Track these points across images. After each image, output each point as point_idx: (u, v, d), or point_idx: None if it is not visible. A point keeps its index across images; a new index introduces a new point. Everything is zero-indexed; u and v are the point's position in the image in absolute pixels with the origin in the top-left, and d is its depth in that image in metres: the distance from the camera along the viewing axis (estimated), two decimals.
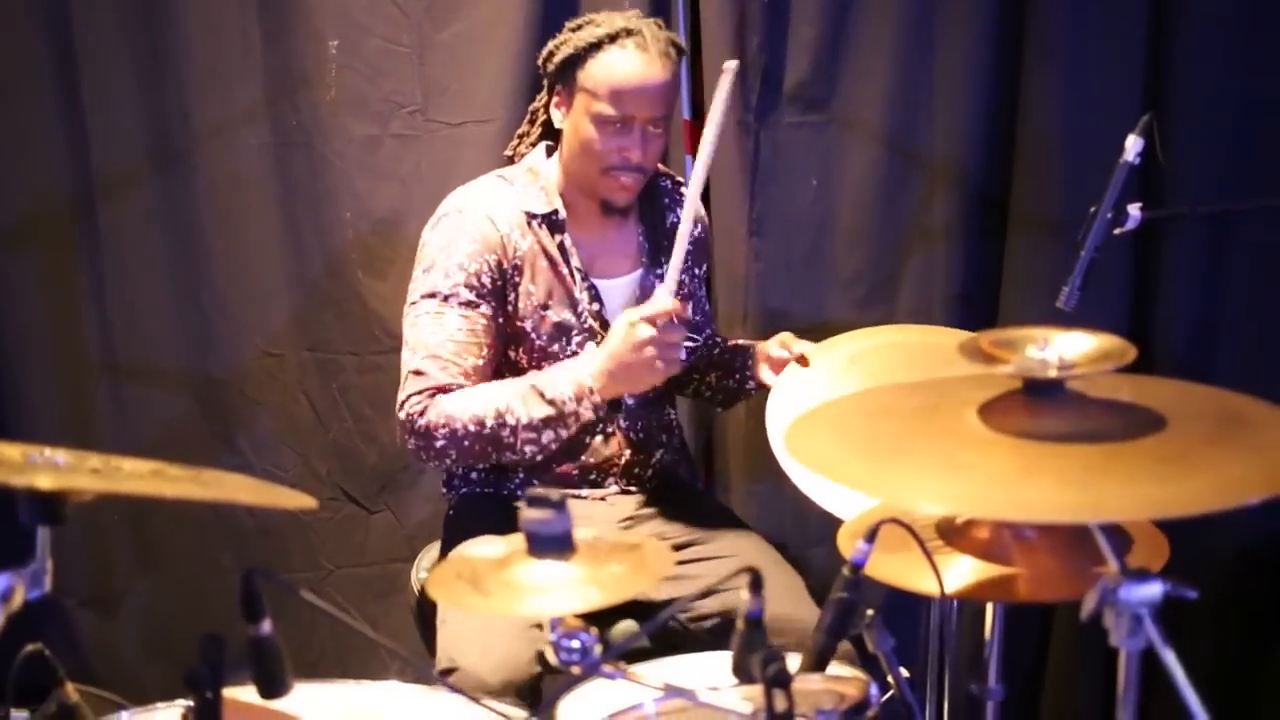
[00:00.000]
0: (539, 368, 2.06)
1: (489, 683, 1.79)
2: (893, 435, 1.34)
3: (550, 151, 2.14)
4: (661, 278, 2.15)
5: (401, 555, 2.60)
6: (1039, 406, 1.29)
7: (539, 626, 1.82)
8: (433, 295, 2.00)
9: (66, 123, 2.51)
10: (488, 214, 2.04)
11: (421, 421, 1.93)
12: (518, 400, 1.93)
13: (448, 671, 1.82)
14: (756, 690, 1.16)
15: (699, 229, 2.28)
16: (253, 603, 1.21)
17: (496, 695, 1.71)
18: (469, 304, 1.99)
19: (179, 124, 2.54)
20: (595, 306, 2.10)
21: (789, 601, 1.94)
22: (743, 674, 1.25)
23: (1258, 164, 2.39)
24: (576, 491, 2.12)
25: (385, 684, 1.62)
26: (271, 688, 1.24)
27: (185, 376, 2.64)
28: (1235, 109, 2.39)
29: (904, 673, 1.52)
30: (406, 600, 2.28)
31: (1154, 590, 1.15)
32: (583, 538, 1.24)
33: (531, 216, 2.07)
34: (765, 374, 2.17)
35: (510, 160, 2.21)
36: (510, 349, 2.07)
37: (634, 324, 1.92)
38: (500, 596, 1.22)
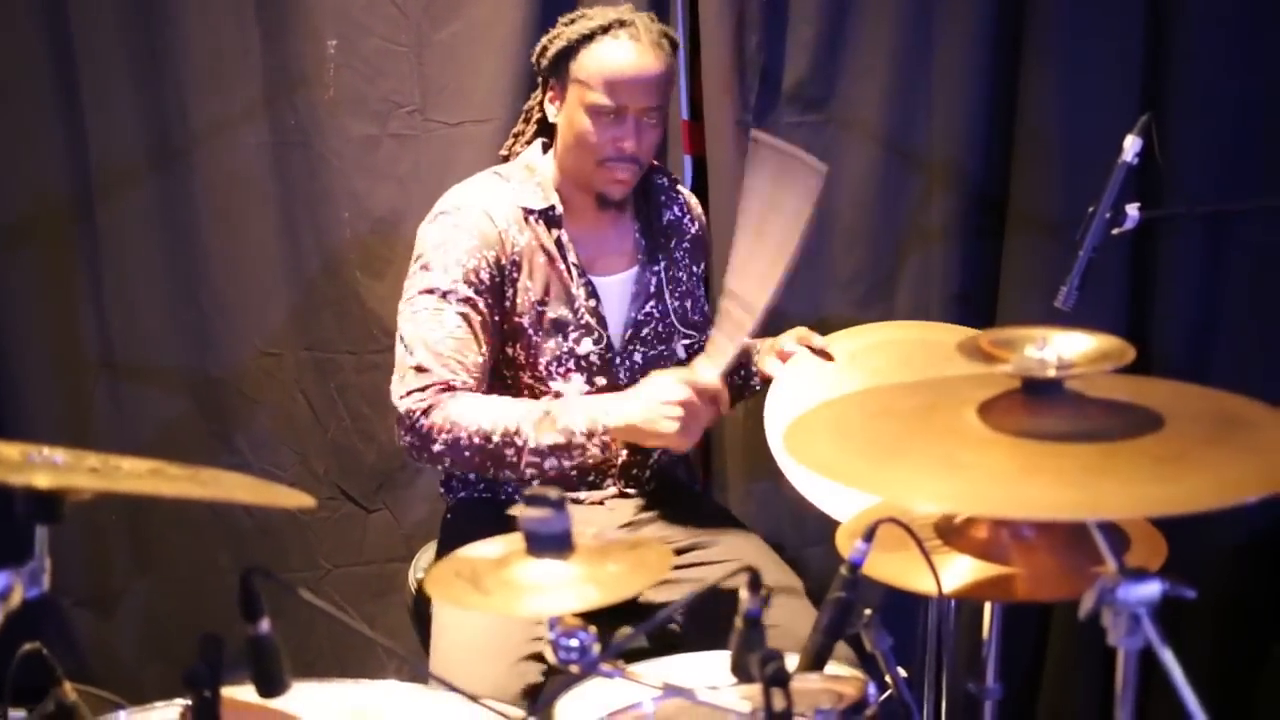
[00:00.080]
0: (535, 364, 2.07)
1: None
2: (892, 434, 1.34)
3: (546, 148, 2.14)
4: (659, 276, 2.15)
5: (399, 555, 2.60)
6: (1038, 406, 1.29)
7: (538, 639, 1.84)
8: (431, 291, 1.99)
9: (65, 122, 2.51)
10: (485, 210, 2.04)
11: (424, 421, 1.92)
12: (529, 423, 1.92)
13: None
14: (755, 689, 1.16)
15: (697, 226, 2.27)
16: (251, 602, 1.21)
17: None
18: (468, 301, 1.99)
19: (177, 123, 2.53)
20: (592, 303, 2.09)
21: (788, 610, 1.94)
22: (741, 673, 1.25)
23: (1256, 164, 2.39)
24: (574, 494, 2.11)
25: (383, 683, 1.62)
26: (270, 687, 1.24)
27: (183, 376, 2.64)
28: (1233, 109, 2.39)
29: (902, 672, 1.52)
30: (403, 600, 2.28)
31: (1152, 590, 1.15)
32: (581, 537, 1.24)
33: (528, 212, 2.06)
34: (772, 365, 2.16)
35: (506, 160, 2.21)
36: (507, 345, 2.07)
37: (678, 384, 1.91)
38: (499, 595, 1.22)
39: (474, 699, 1.39)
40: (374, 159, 2.55)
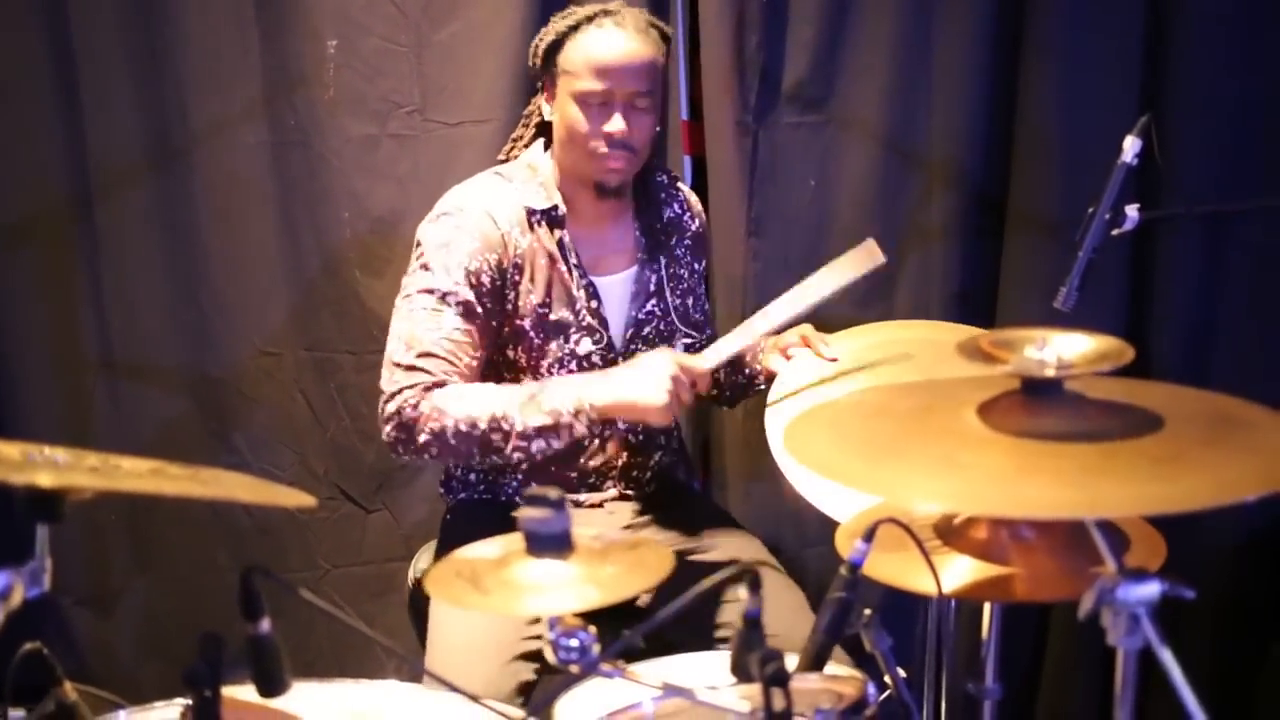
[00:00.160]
0: (536, 365, 2.06)
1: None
2: (891, 434, 1.34)
3: (547, 147, 2.14)
4: (659, 274, 2.15)
5: (398, 554, 2.60)
6: (1037, 406, 1.29)
7: (531, 638, 1.84)
8: (431, 291, 1.99)
9: (65, 121, 2.51)
10: (488, 212, 2.03)
11: (411, 414, 1.92)
12: (515, 407, 1.92)
13: None
14: (755, 689, 1.16)
15: (697, 224, 2.27)
16: (252, 601, 1.21)
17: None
18: (466, 304, 1.99)
19: (177, 123, 2.54)
20: (593, 304, 2.09)
21: (787, 614, 1.93)
22: (741, 673, 1.25)
23: (1255, 164, 2.40)
24: (575, 496, 2.11)
25: (384, 683, 1.62)
26: (270, 686, 1.24)
27: (183, 375, 2.64)
28: (1233, 109, 2.39)
29: (901, 672, 1.52)
30: (402, 599, 2.28)
31: (1151, 590, 1.16)
32: (581, 537, 1.25)
33: (532, 213, 2.06)
34: (775, 363, 2.17)
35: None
36: (508, 348, 2.07)
37: (670, 361, 1.93)
38: (499, 595, 1.22)
39: (475, 699, 1.39)
40: (373, 159, 2.55)
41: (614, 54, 2.00)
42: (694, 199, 2.31)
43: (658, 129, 2.12)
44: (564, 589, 1.21)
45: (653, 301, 2.15)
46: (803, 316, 2.09)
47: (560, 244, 2.07)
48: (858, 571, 1.42)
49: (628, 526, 2.14)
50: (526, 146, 2.17)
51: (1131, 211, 2.05)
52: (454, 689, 1.36)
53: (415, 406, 1.92)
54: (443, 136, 2.54)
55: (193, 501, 2.58)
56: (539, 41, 2.08)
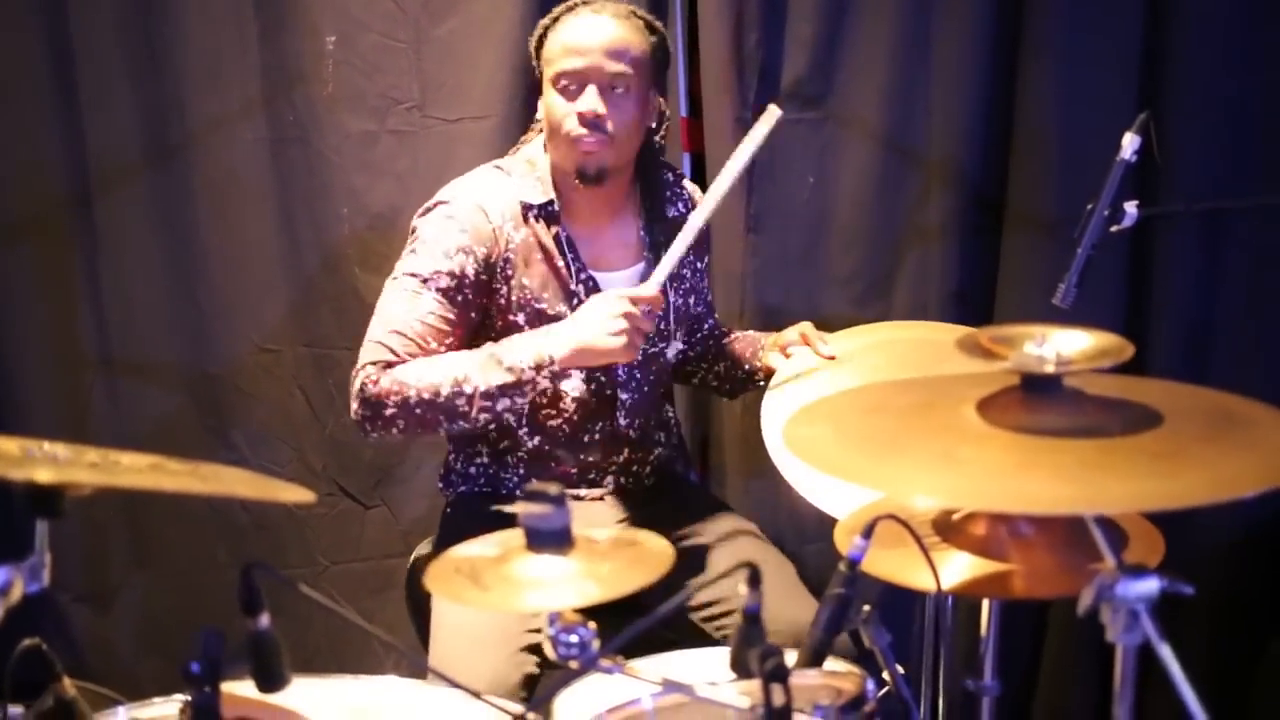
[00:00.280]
0: None
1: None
2: (891, 430, 1.34)
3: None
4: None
5: (397, 551, 2.60)
6: (1036, 402, 1.29)
7: (534, 631, 1.84)
8: (414, 275, 2.00)
9: (63, 118, 2.51)
10: (481, 205, 2.03)
11: (373, 390, 1.93)
12: (475, 368, 1.93)
13: None
14: (754, 685, 1.16)
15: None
16: (252, 597, 1.21)
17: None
18: (446, 292, 1.99)
19: (175, 119, 2.53)
20: None
21: (784, 597, 1.94)
22: (740, 669, 1.26)
23: (1254, 162, 2.40)
24: (574, 491, 2.12)
25: (383, 678, 1.63)
26: (270, 682, 1.24)
27: (181, 372, 2.64)
28: (1231, 107, 2.40)
29: (899, 669, 1.52)
30: (401, 595, 2.28)
31: (1151, 586, 1.16)
32: (581, 533, 1.25)
33: (528, 208, 2.06)
34: (775, 360, 2.18)
35: None
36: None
37: (615, 298, 1.94)
38: (498, 591, 1.22)
39: (475, 695, 1.39)
40: (372, 155, 2.55)
41: (586, 35, 2.01)
42: (699, 196, 2.30)
43: (652, 124, 2.12)
44: (563, 584, 1.21)
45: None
46: (724, 195, 2.01)
47: (557, 239, 2.07)
48: (857, 568, 1.42)
49: (625, 518, 2.14)
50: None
51: (1130, 209, 2.05)
52: (455, 685, 1.36)
53: (376, 383, 1.93)
54: (442, 132, 2.53)
55: (191, 498, 2.58)
56: (530, 40, 2.10)
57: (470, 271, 2.00)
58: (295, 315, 2.61)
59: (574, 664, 1.23)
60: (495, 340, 2.05)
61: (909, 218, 2.56)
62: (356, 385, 1.95)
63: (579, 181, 2.04)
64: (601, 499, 2.16)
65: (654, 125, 2.14)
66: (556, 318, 2.06)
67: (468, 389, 1.91)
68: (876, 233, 2.57)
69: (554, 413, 2.10)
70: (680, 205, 2.23)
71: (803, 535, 2.55)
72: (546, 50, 2.05)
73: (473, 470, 2.16)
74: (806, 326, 2.19)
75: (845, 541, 1.44)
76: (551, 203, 2.07)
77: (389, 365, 1.94)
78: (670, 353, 2.19)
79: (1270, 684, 2.49)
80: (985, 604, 1.56)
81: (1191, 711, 1.14)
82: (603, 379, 2.10)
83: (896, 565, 1.44)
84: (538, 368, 1.93)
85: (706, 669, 1.56)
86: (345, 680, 1.59)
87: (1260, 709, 2.50)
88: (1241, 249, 2.43)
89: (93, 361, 2.61)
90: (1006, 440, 1.25)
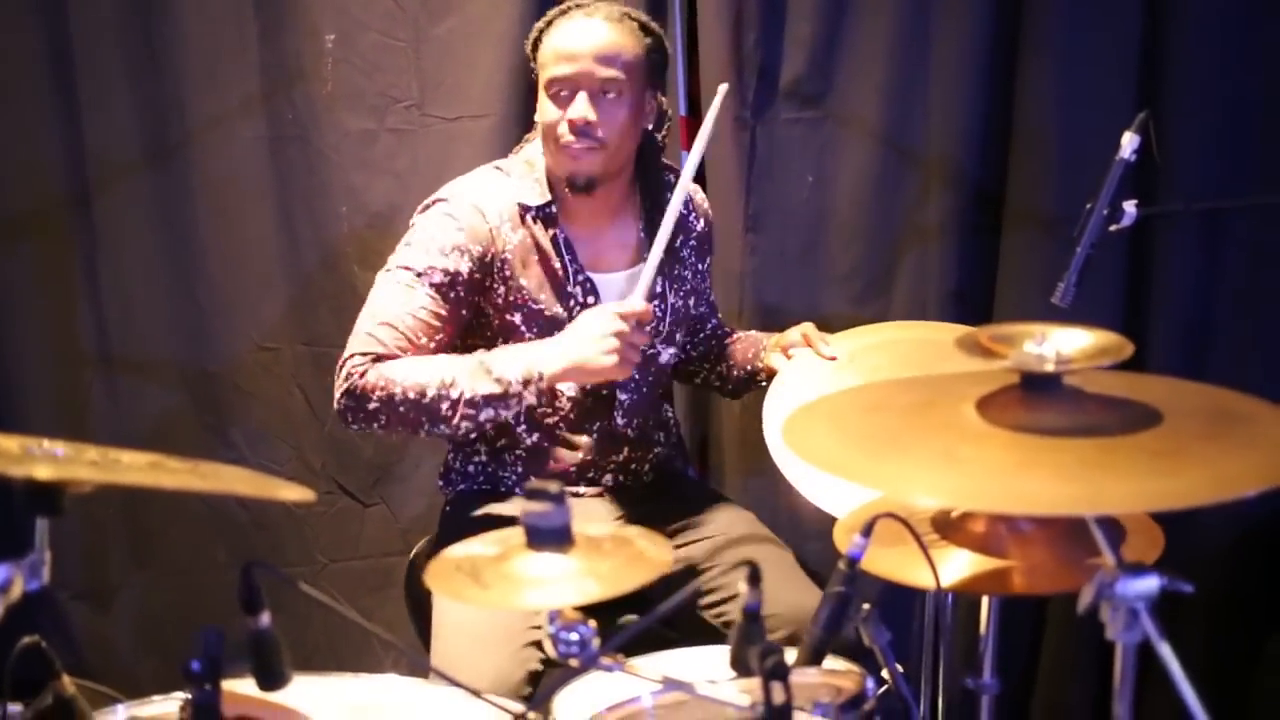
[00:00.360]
0: None
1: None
2: (891, 429, 1.34)
3: None
4: (667, 275, 2.15)
5: (396, 549, 2.60)
6: (1036, 401, 1.29)
7: (537, 628, 1.84)
8: (409, 268, 1.99)
9: (63, 117, 2.51)
10: (478, 205, 2.03)
11: (359, 382, 1.92)
12: (464, 374, 1.92)
13: None
14: (754, 683, 1.16)
15: (703, 224, 2.27)
16: (252, 595, 1.21)
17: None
18: (440, 288, 1.99)
19: (175, 118, 2.54)
20: (590, 300, 2.09)
21: (784, 582, 1.96)
22: (740, 667, 1.26)
23: (1252, 161, 2.40)
24: (574, 488, 2.11)
25: (384, 677, 1.63)
26: (270, 680, 1.24)
27: (180, 370, 2.64)
28: (1230, 106, 2.40)
29: (899, 667, 1.53)
30: (400, 594, 2.28)
31: (1150, 584, 1.16)
32: (581, 531, 1.25)
33: (525, 209, 2.06)
34: (777, 361, 2.18)
35: None
36: (500, 340, 2.07)
37: (606, 316, 1.93)
38: (499, 589, 1.22)
39: (475, 694, 1.39)
40: (371, 154, 2.55)
41: (577, 40, 2.00)
42: (700, 198, 2.31)
43: (650, 125, 2.11)
44: (564, 582, 1.21)
45: (654, 302, 2.15)
46: (688, 178, 2.01)
47: (554, 240, 2.07)
48: (856, 566, 1.42)
49: (623, 515, 2.14)
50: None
51: (1129, 208, 2.05)
52: (456, 684, 1.36)
53: (363, 375, 1.93)
54: (440, 131, 2.54)
55: (191, 496, 2.58)
56: (526, 42, 2.10)
57: (465, 270, 2.00)
58: (294, 313, 2.61)
59: (574, 662, 1.23)
60: (491, 339, 2.05)
61: (908, 217, 2.56)
62: (342, 375, 1.95)
63: (569, 190, 2.05)
64: (600, 495, 2.15)
65: (654, 125, 2.14)
66: (553, 318, 2.05)
67: (453, 394, 1.91)
68: (875, 232, 2.57)
69: (550, 411, 2.10)
70: (682, 207, 2.22)
71: (801, 534, 2.55)
72: (540, 54, 2.05)
73: (472, 468, 2.16)
74: (808, 327, 2.19)
75: (845, 540, 1.44)
76: (549, 204, 2.07)
77: (377, 358, 1.94)
78: (664, 356, 2.18)
79: (1266, 683, 2.49)
80: (984, 602, 1.56)
81: (1192, 710, 1.14)
82: (601, 380, 2.10)
83: (896, 563, 1.44)
84: (526, 382, 1.91)
85: (706, 667, 1.56)
86: (346, 678, 1.60)
87: (1258, 707, 2.50)
88: (1239, 248, 2.43)
89: (92, 359, 2.61)
90: (1006, 439, 1.25)
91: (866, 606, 1.46)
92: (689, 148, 2.61)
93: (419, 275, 1.99)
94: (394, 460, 2.64)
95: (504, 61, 2.48)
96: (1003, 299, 2.52)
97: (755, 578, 1.25)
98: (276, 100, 2.53)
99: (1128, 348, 1.30)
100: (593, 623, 1.24)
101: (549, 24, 2.06)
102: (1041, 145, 2.44)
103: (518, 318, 2.05)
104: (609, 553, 1.26)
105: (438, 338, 1.99)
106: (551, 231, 2.07)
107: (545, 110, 2.03)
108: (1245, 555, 2.47)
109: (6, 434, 1.30)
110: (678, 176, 2.25)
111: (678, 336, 2.20)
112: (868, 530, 1.40)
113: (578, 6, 2.06)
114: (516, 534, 1.25)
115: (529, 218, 2.06)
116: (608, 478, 2.16)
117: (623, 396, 2.12)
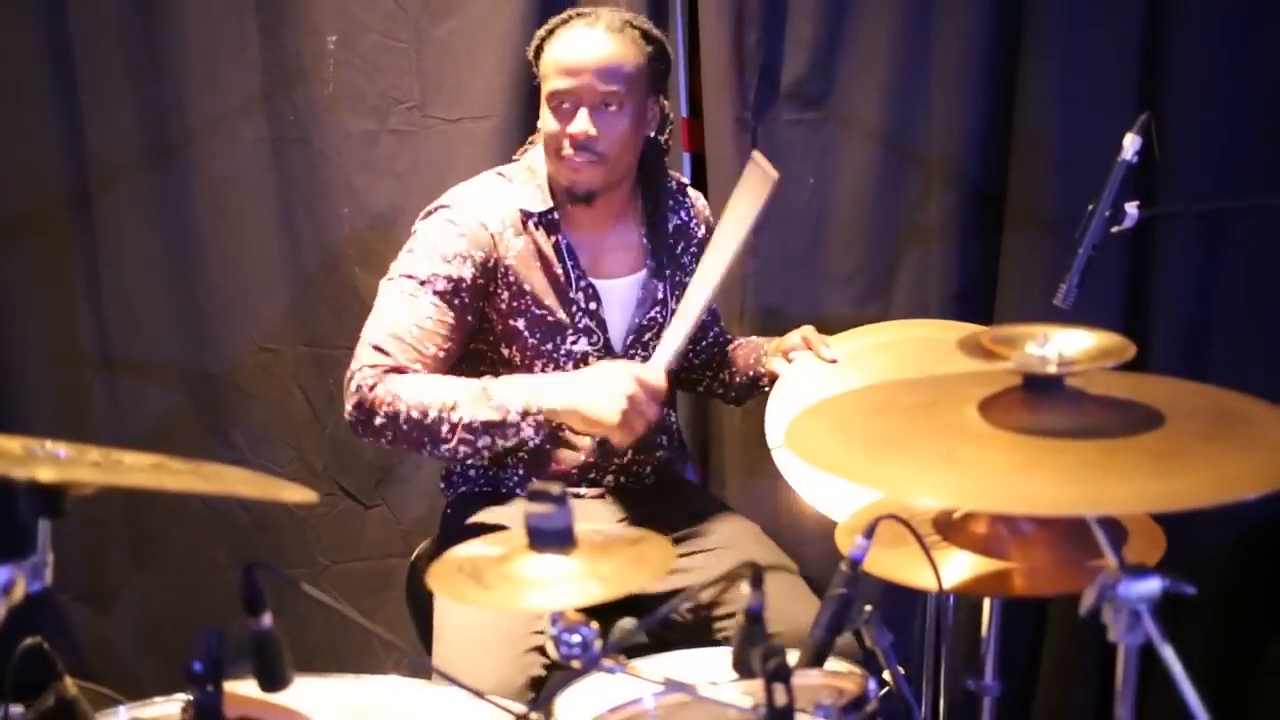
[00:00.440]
0: (531, 365, 2.07)
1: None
2: (893, 430, 1.34)
3: None
4: (669, 281, 2.15)
5: (397, 550, 2.60)
6: (1038, 402, 1.29)
7: (540, 632, 1.84)
8: (412, 276, 1.99)
9: (63, 117, 2.51)
10: (480, 211, 2.03)
11: (369, 395, 1.92)
12: (466, 399, 1.91)
13: None
14: (756, 685, 1.16)
15: (704, 230, 2.25)
16: (254, 596, 1.21)
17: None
18: (444, 295, 1.98)
19: (175, 119, 2.54)
20: (593, 306, 2.09)
21: (787, 597, 1.94)
22: (743, 668, 1.26)
23: (1254, 162, 2.40)
24: (575, 489, 2.11)
25: (385, 678, 1.63)
26: (272, 681, 1.24)
27: (181, 371, 2.64)
28: (1231, 107, 2.40)
29: (900, 669, 1.53)
30: (401, 595, 2.28)
31: (1153, 586, 1.16)
32: (583, 532, 1.25)
33: (527, 216, 2.06)
34: (778, 365, 2.17)
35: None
36: (503, 346, 2.07)
37: (626, 375, 1.90)
38: (501, 590, 1.22)
39: (478, 694, 1.39)
40: (373, 155, 2.55)
41: (578, 53, 1.99)
42: (701, 204, 2.30)
43: (652, 132, 2.11)
44: (566, 584, 1.21)
45: (656, 309, 2.15)
46: (726, 274, 1.98)
47: (556, 246, 2.07)
48: (858, 567, 1.42)
49: (625, 517, 2.14)
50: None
51: (1131, 209, 2.05)
52: (458, 684, 1.36)
53: (372, 388, 1.92)
54: (442, 132, 2.53)
55: (192, 497, 2.58)
56: (528, 49, 2.09)
57: (468, 276, 2.00)
58: (295, 314, 2.61)
59: (576, 664, 1.23)
60: (494, 344, 2.05)
61: (909, 217, 2.56)
62: (352, 386, 1.94)
63: (569, 202, 2.05)
64: (602, 496, 2.15)
65: (657, 130, 2.13)
66: (556, 324, 2.06)
67: (453, 417, 1.90)
68: (877, 232, 2.56)
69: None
70: (683, 214, 2.22)
71: (802, 537, 2.55)
72: (542, 64, 2.04)
73: (473, 470, 2.16)
74: (808, 330, 2.19)
75: (847, 541, 1.44)
76: (551, 211, 2.07)
77: (386, 370, 1.94)
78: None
79: (1267, 684, 2.49)
80: (986, 603, 1.56)
81: (1194, 712, 1.14)
82: None
83: (898, 565, 1.44)
84: (524, 414, 1.90)
85: (709, 669, 1.56)
86: (347, 680, 1.59)
87: (1258, 708, 2.50)
88: (1241, 249, 2.43)
89: (93, 360, 2.61)
90: (1008, 441, 1.25)
91: (868, 608, 1.47)
92: (690, 149, 2.63)
93: (422, 283, 1.98)
94: (395, 462, 2.64)
95: (505, 63, 2.48)
96: (1004, 300, 2.52)
97: (758, 579, 1.25)
98: (277, 101, 2.53)
99: (1130, 349, 1.30)
100: (595, 624, 1.24)
101: (550, 33, 2.04)
102: (1043, 146, 2.44)
103: (521, 323, 2.05)
104: (611, 554, 1.26)
105: (445, 346, 1.98)
106: (554, 238, 2.07)
107: (547, 121, 2.03)
108: (1247, 557, 2.47)
109: (9, 435, 1.30)
110: (680, 185, 2.25)
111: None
112: (870, 532, 1.40)
113: (579, 15, 2.04)
114: (519, 535, 1.25)
115: (531, 224, 2.06)
116: (609, 478, 2.16)
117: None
